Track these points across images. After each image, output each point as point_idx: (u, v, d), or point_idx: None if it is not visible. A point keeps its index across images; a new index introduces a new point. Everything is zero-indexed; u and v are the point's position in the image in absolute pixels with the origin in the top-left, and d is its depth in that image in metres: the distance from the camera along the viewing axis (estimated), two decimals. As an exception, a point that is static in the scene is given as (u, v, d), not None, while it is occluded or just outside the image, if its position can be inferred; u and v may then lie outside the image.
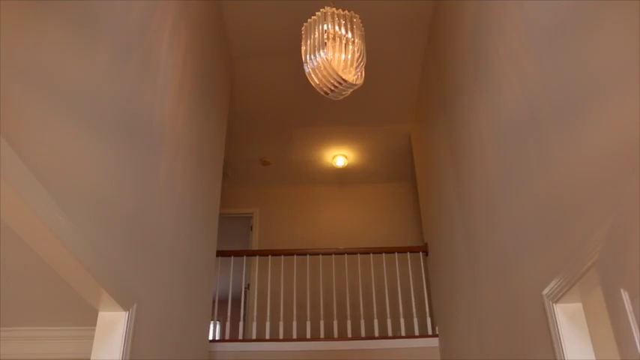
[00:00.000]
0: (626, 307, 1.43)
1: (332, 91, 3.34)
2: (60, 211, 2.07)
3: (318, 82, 3.33)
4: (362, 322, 6.09)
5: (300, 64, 3.54)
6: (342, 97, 3.44)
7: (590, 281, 2.58)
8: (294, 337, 5.99)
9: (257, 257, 6.72)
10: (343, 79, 3.29)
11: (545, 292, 2.97)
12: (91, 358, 2.73)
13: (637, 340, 1.36)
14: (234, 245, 8.41)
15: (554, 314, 2.89)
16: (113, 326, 2.72)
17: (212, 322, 5.68)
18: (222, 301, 6.57)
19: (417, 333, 6.03)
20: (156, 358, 3.29)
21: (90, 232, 2.38)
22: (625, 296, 1.42)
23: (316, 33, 3.36)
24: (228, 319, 6.12)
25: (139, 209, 3.04)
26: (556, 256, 2.85)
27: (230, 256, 6.40)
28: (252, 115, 7.12)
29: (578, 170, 2.57)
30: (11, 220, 1.93)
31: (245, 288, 6.98)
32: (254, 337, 6.05)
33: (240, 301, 6.59)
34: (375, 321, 6.04)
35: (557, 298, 2.87)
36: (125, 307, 2.71)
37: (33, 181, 1.89)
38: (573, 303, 2.89)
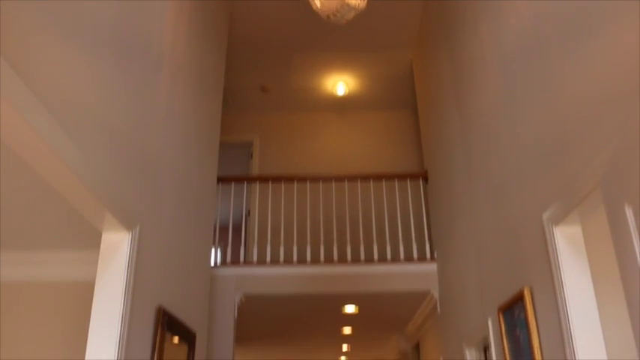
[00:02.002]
0: (629, 221, 1.44)
1: (334, 15, 3.26)
2: (61, 131, 2.06)
3: (319, 6, 3.25)
4: (361, 247, 6.18)
5: (301, -13, 3.45)
6: (344, 22, 3.37)
7: (591, 204, 2.60)
8: (295, 261, 6.08)
9: (257, 183, 6.75)
10: (346, 2, 3.21)
11: (545, 215, 2.99)
12: (96, 278, 2.78)
13: (638, 254, 1.38)
14: (234, 173, 8.44)
15: (554, 237, 2.92)
16: (117, 247, 2.76)
17: (213, 249, 5.76)
18: (223, 228, 6.62)
19: (415, 257, 6.12)
20: (159, 281, 3.35)
21: (91, 154, 2.38)
22: (629, 211, 1.43)
23: (318, -47, 3.26)
24: (229, 244, 6.20)
25: (140, 132, 3.02)
26: (557, 179, 2.86)
27: (230, 182, 6.42)
28: (252, 41, 7.00)
29: (582, 95, 2.55)
30: (12, 141, 1.92)
31: (245, 214, 7.03)
32: (255, 261, 6.14)
33: (240, 229, 6.65)
34: (375, 246, 6.12)
35: (557, 221, 2.89)
36: (128, 227, 2.74)
37: (34, 101, 1.87)
38: (573, 226, 2.91)
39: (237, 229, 7.42)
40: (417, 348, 7.98)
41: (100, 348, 2.69)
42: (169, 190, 3.61)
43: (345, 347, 9.77)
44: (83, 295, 2.85)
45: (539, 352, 3.13)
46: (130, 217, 2.76)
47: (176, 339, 3.57)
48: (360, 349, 10.03)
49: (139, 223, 2.89)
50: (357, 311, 6.86)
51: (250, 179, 6.96)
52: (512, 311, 3.49)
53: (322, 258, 6.08)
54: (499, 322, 3.71)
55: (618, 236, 1.52)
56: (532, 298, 3.22)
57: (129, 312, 2.77)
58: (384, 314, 7.28)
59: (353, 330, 8.15)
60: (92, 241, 2.82)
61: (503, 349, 3.65)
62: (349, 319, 7.42)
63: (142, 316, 3.04)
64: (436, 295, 5.97)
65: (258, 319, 7.18)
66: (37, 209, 3.59)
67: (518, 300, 3.35)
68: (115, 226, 2.66)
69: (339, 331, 8.18)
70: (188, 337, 3.85)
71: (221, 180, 6.08)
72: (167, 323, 3.31)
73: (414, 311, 7.01)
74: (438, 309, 5.97)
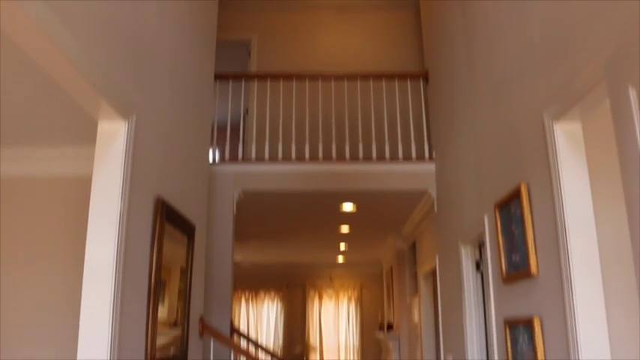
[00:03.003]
0: (632, 102, 1.41)
1: None
2: (55, 18, 2.01)
3: None
4: (360, 145, 6.18)
5: None
6: None
7: (593, 100, 2.56)
8: (293, 158, 6.09)
9: (255, 81, 6.66)
10: None
11: (545, 111, 2.96)
12: (94, 167, 2.77)
13: (638, 134, 1.36)
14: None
15: (553, 133, 2.91)
16: (114, 136, 2.74)
17: (211, 149, 5.76)
18: (221, 129, 6.60)
19: (414, 157, 6.13)
20: (158, 172, 3.36)
21: (86, 41, 2.32)
22: (632, 93, 1.40)
23: None
24: (227, 142, 6.18)
25: (135, 21, 2.94)
26: (559, 76, 2.81)
27: (228, 79, 6.34)
28: None
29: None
30: (9, 28, 1.88)
31: (244, 113, 6.99)
32: (253, 158, 6.15)
33: (239, 128, 6.62)
34: (373, 145, 6.12)
35: (557, 118, 2.86)
36: (124, 116, 2.71)
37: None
38: (573, 123, 2.89)
39: (235, 129, 7.39)
40: (413, 247, 8.14)
41: (100, 239, 2.72)
42: (165, 82, 3.55)
43: (342, 246, 9.97)
44: (83, 190, 2.85)
45: (534, 248, 3.18)
46: (125, 106, 2.73)
47: (175, 230, 3.62)
48: (358, 248, 10.24)
49: (135, 113, 2.86)
50: (355, 210, 6.94)
51: (248, 77, 6.86)
52: (509, 207, 3.52)
53: (321, 156, 6.09)
54: (495, 218, 3.76)
55: (620, 119, 1.50)
56: (529, 194, 3.25)
57: (127, 201, 2.79)
58: (382, 213, 7.37)
59: (350, 229, 8.29)
60: (92, 137, 2.80)
61: (498, 245, 3.71)
62: (347, 218, 7.53)
63: (141, 205, 3.06)
64: (433, 194, 6.02)
65: (257, 216, 7.28)
66: (37, 105, 3.56)
67: (515, 196, 3.38)
68: (110, 114, 2.63)
69: (337, 229, 8.31)
70: (187, 230, 3.90)
71: (218, 77, 5.99)
72: (166, 214, 3.35)
73: (411, 210, 7.10)
74: (435, 208, 6.04)
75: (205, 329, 4.38)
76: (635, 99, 1.40)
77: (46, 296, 4.44)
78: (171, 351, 3.62)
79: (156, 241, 3.22)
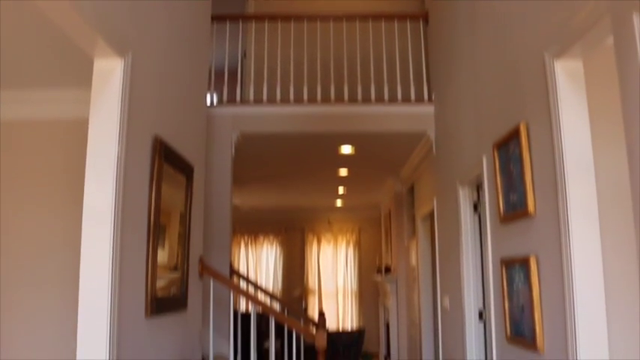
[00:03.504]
0: (635, 30, 1.39)
1: None
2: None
3: None
4: (359, 87, 6.13)
5: None
6: None
7: (594, 37, 2.53)
8: (292, 100, 6.05)
9: (253, 23, 6.56)
10: None
11: (546, 50, 2.92)
12: (91, 105, 2.75)
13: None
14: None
15: (554, 71, 2.88)
16: (110, 74, 2.71)
17: (209, 92, 5.71)
18: (219, 72, 6.48)
19: (413, 99, 6.09)
20: (155, 111, 3.33)
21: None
22: (636, 19, 1.38)
23: None
24: (225, 84, 6.12)
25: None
26: (561, 13, 2.76)
27: (225, 20, 6.23)
28: None
29: None
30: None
31: (241, 55, 6.91)
32: (251, 100, 6.10)
33: (236, 72, 6.55)
34: (372, 86, 6.07)
35: (558, 55, 2.83)
36: (120, 53, 2.67)
37: None
38: (574, 61, 2.85)
39: (233, 72, 7.29)
40: (411, 190, 8.17)
41: (98, 180, 2.71)
42: (161, 21, 3.50)
43: (341, 190, 10.00)
44: (83, 132, 2.83)
45: (532, 187, 3.19)
46: (121, 43, 2.69)
47: (174, 171, 3.62)
48: (356, 192, 10.27)
49: (131, 51, 2.82)
50: (353, 152, 6.93)
51: (246, 18, 6.76)
52: (507, 147, 3.51)
53: (319, 97, 6.05)
54: (493, 158, 3.75)
55: (623, 50, 1.47)
56: (528, 134, 3.24)
57: (125, 140, 2.77)
58: (380, 156, 7.37)
59: (349, 172, 8.30)
60: (91, 79, 2.77)
61: (496, 185, 3.72)
62: (345, 161, 7.52)
63: (139, 145, 3.05)
64: (432, 136, 6.00)
65: (256, 159, 7.28)
66: (36, 47, 3.50)
67: (514, 135, 3.37)
68: (106, 52, 2.60)
69: (336, 172, 8.32)
70: (186, 170, 3.90)
71: (216, 18, 5.89)
72: (164, 153, 3.34)
73: (410, 153, 7.10)
74: (434, 150, 6.03)
75: (205, 270, 4.43)
76: (639, 26, 1.37)
77: (46, 239, 4.46)
78: (172, 291, 3.66)
79: (154, 181, 3.22)
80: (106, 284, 2.66)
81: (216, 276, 4.50)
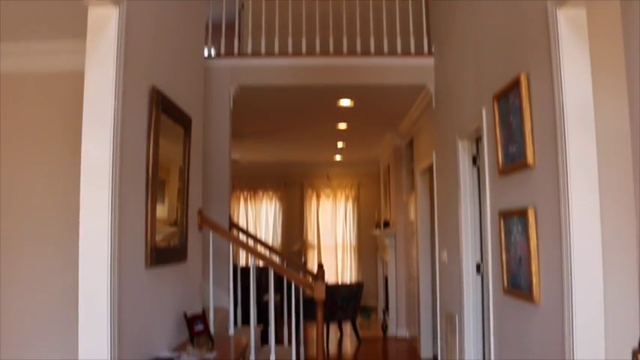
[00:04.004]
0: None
1: None
2: None
3: None
4: (358, 39, 6.05)
5: None
6: None
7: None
8: (290, 52, 5.98)
9: (251, -27, 6.44)
10: None
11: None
12: (86, 57, 2.72)
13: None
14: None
15: (556, 20, 2.83)
16: (105, 23, 2.67)
17: (207, 46, 5.63)
18: (216, 26, 6.37)
19: (412, 51, 6.03)
20: (151, 62, 3.30)
21: None
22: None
23: None
24: (223, 36, 6.05)
25: None
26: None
27: (222, -30, 6.12)
28: None
29: None
30: None
31: (239, 7, 6.81)
32: (249, 52, 6.03)
33: (234, 26, 6.45)
34: (372, 38, 6.00)
35: (561, 3, 2.78)
36: (115, 1, 2.63)
37: None
38: (577, 9, 2.81)
39: (230, 25, 7.19)
40: (410, 145, 8.15)
41: (95, 129, 2.71)
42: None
43: (340, 144, 9.98)
44: (81, 84, 2.80)
45: (531, 138, 3.17)
46: (115, -10, 2.64)
47: (171, 122, 3.59)
48: (355, 147, 10.25)
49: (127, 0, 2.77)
50: (352, 105, 6.90)
51: (244, -32, 6.63)
52: (507, 98, 3.48)
53: (318, 50, 5.98)
54: (493, 110, 3.73)
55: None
56: (528, 84, 3.21)
57: (122, 91, 2.75)
58: (379, 109, 7.33)
59: (348, 126, 8.27)
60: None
61: (495, 136, 3.70)
62: (344, 114, 7.49)
63: (136, 95, 3.02)
64: (432, 89, 5.96)
65: (254, 112, 7.25)
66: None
67: (514, 86, 3.34)
68: (100, -1, 2.56)
69: (335, 126, 8.29)
70: (184, 122, 3.87)
71: (212, -33, 5.79)
72: (161, 104, 3.31)
73: (409, 106, 7.06)
74: (433, 103, 6.00)
75: (204, 222, 4.44)
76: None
77: (44, 193, 4.46)
78: (171, 243, 3.68)
79: (152, 132, 3.20)
80: (106, 235, 2.67)
81: (216, 228, 4.52)
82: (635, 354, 1.26)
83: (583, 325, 2.71)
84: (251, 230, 12.33)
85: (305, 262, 12.07)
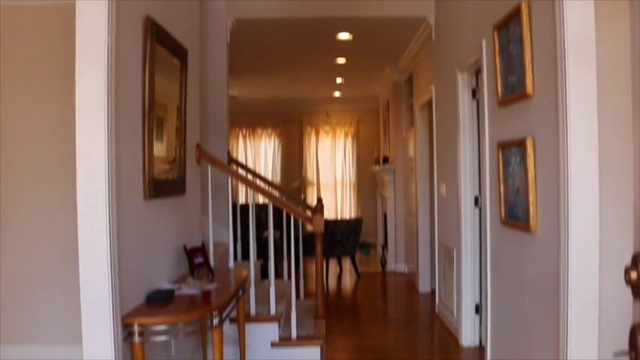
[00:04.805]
0: None
1: None
2: None
3: None
4: None
5: None
6: None
7: None
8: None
9: None
10: None
11: None
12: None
13: None
14: None
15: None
16: None
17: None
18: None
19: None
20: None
21: None
22: None
23: None
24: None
25: None
26: None
27: None
28: None
29: None
30: None
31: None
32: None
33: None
34: None
35: None
36: None
37: None
38: None
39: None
40: (409, 80, 8.08)
41: (89, 59, 2.68)
42: None
43: (339, 80, 9.88)
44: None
45: (531, 68, 3.14)
46: None
47: (167, 53, 3.54)
48: (354, 82, 10.16)
49: None
50: (351, 38, 6.79)
51: None
52: (508, 28, 3.43)
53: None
54: (493, 40, 3.67)
55: None
56: (529, 12, 3.16)
57: (115, 20, 2.71)
58: (379, 43, 7.23)
59: (347, 60, 8.17)
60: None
61: (495, 67, 3.66)
62: (343, 48, 7.39)
63: (130, 25, 2.98)
64: (432, 21, 5.87)
65: (252, 47, 7.15)
66: None
67: (515, 15, 3.28)
68: None
69: (333, 61, 8.19)
70: (180, 53, 3.81)
71: None
72: (156, 34, 3.25)
73: (409, 40, 6.96)
74: (433, 36, 5.91)
75: (202, 156, 4.44)
76: None
77: (42, 127, 4.45)
78: (170, 176, 3.69)
79: (147, 62, 3.16)
80: (103, 167, 2.67)
81: (214, 162, 4.51)
82: (627, 271, 1.28)
83: (578, 253, 2.74)
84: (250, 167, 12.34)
85: (304, 200, 12.16)
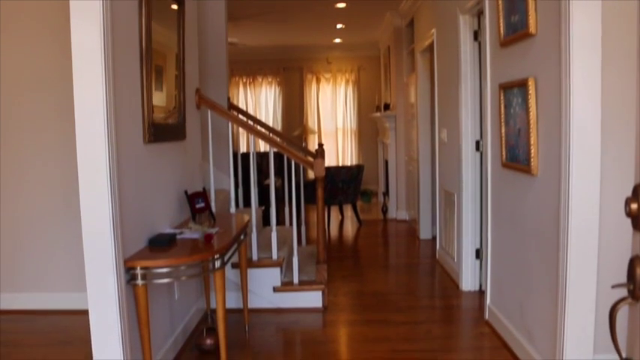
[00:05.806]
0: None
1: None
2: None
3: None
4: None
5: None
6: None
7: None
8: None
9: None
10: None
11: None
12: None
13: None
14: None
15: None
16: None
17: None
18: None
19: None
20: None
21: None
22: None
23: None
24: None
25: None
26: None
27: None
28: None
29: None
30: None
31: None
32: None
33: None
34: None
35: None
36: None
37: None
38: None
39: None
40: (410, 25, 7.96)
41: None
42: None
43: (339, 25, 9.74)
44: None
45: (534, 5, 3.08)
46: None
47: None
48: (354, 28, 10.01)
49: None
50: (352, -18, 6.68)
51: None
52: (511, -35, 3.35)
53: None
54: (496, -21, 3.60)
55: None
56: (533, -51, 3.08)
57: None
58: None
59: (347, 5, 8.02)
60: None
61: (497, 6, 3.59)
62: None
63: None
64: (433, -37, 5.75)
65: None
66: None
67: (518, -48, 3.20)
68: None
69: (333, 5, 8.04)
70: (177, -3, 3.76)
71: None
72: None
73: (410, -16, 6.83)
74: (435, -22, 5.80)
75: (202, 101, 4.40)
76: None
77: (43, 73, 4.44)
78: (170, 121, 3.67)
79: (144, 8, 3.11)
80: (102, 110, 2.67)
81: (214, 107, 4.48)
82: (627, 202, 1.27)
83: (579, 194, 2.74)
84: (251, 116, 12.28)
85: (306, 147, 12.14)
